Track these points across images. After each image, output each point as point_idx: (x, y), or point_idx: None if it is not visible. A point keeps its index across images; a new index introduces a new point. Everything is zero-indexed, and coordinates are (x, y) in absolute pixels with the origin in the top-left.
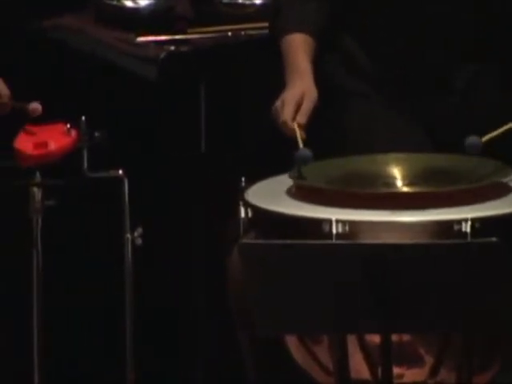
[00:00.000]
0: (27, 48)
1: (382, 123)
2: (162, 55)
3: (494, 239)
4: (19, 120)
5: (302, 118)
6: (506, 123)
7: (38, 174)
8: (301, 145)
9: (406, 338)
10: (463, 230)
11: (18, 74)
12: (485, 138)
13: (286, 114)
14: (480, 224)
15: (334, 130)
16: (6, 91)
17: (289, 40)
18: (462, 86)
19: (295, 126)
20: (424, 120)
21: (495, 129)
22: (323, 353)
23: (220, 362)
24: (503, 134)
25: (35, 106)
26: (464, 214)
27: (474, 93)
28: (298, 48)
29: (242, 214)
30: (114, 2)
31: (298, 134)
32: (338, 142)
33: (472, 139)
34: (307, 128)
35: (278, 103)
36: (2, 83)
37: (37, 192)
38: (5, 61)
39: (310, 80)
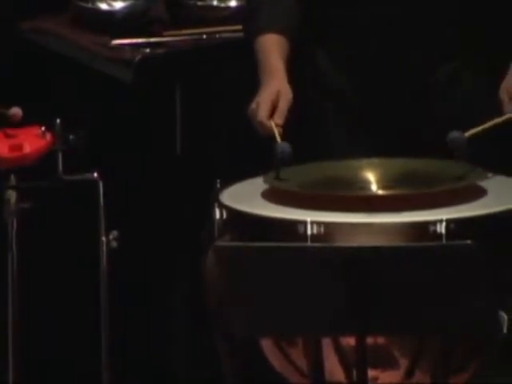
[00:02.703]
0: (3, 50)
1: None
2: (137, 58)
3: (468, 241)
4: None
5: (278, 118)
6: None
7: (12, 177)
8: (279, 139)
9: (380, 340)
10: (438, 231)
11: None
12: (468, 133)
13: (262, 113)
14: (455, 225)
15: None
16: None
17: (262, 40)
18: (442, 86)
19: (272, 125)
20: (406, 123)
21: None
22: (298, 355)
23: (196, 363)
24: (487, 129)
25: (16, 111)
26: (439, 216)
27: (455, 91)
28: (271, 48)
29: (217, 216)
30: (89, 5)
31: (276, 130)
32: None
33: (454, 134)
34: (284, 127)
35: (253, 104)
36: None
37: (12, 195)
38: None
39: (284, 79)
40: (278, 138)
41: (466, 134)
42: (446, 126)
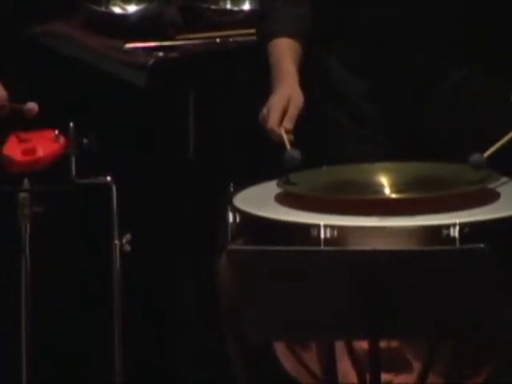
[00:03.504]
0: (17, 54)
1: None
2: (151, 62)
3: (482, 245)
4: (8, 126)
5: (288, 123)
6: (498, 129)
7: (26, 181)
8: (288, 147)
9: (394, 343)
10: (452, 235)
11: (7, 80)
12: (487, 154)
13: (273, 120)
14: (469, 229)
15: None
16: (4, 93)
17: (274, 44)
18: (449, 92)
19: (282, 132)
20: (411, 128)
21: (486, 134)
22: (311, 358)
23: (210, 366)
24: (505, 144)
25: (32, 106)
26: (452, 219)
27: (462, 98)
28: (284, 52)
29: (230, 220)
30: (103, 9)
31: (285, 138)
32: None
33: (475, 157)
34: (294, 132)
35: (264, 110)
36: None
37: (25, 198)
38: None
39: (295, 84)
40: (288, 145)
41: (486, 155)
42: (457, 130)
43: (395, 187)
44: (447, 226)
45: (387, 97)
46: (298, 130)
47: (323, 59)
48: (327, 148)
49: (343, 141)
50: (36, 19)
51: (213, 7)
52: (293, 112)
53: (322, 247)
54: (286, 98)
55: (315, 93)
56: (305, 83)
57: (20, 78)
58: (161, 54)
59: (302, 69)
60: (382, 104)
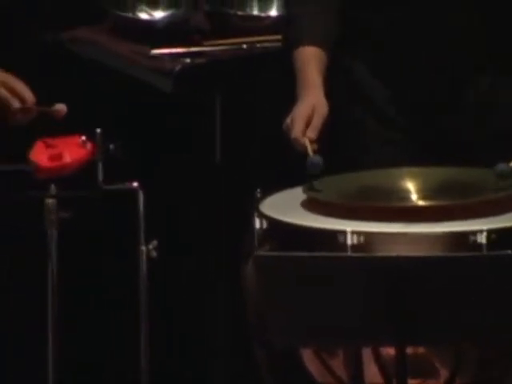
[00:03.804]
0: (44, 60)
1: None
2: (178, 67)
3: (509, 251)
4: (35, 132)
5: (312, 133)
6: None
7: (53, 186)
8: (310, 152)
9: (420, 349)
10: (478, 241)
11: (34, 87)
12: None
13: (297, 130)
14: (496, 235)
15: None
16: (31, 96)
17: (300, 53)
18: (474, 95)
19: (306, 141)
20: (435, 131)
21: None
22: (338, 365)
23: (236, 372)
24: None
25: (60, 107)
26: (479, 226)
27: (487, 101)
28: (310, 61)
29: (257, 226)
30: (130, 15)
31: (309, 147)
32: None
33: (501, 167)
34: (318, 142)
35: (288, 119)
36: (26, 88)
37: (52, 204)
38: (22, 73)
39: (320, 93)
40: (311, 154)
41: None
42: (482, 134)
43: (421, 193)
44: (474, 233)
45: (411, 100)
46: (324, 135)
47: (348, 63)
48: (353, 151)
49: (368, 144)
50: (63, 25)
51: (239, 13)
52: (317, 121)
53: (349, 253)
54: (310, 108)
55: (340, 97)
56: (330, 87)
57: (47, 84)
58: (187, 59)
59: (327, 75)
60: (406, 107)
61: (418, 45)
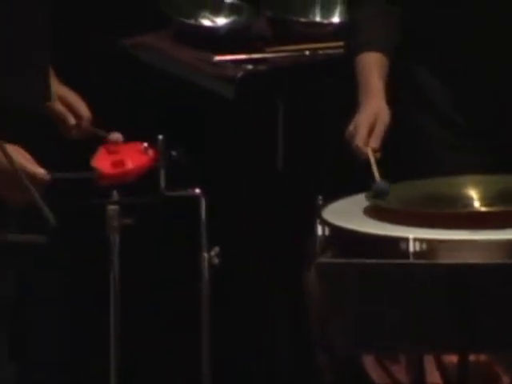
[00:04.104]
0: (107, 66)
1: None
2: (240, 74)
3: None
4: (98, 139)
5: (375, 141)
6: None
7: (115, 193)
8: (377, 175)
9: (483, 357)
10: None
11: (97, 93)
12: None
13: (359, 138)
14: None
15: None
16: (87, 112)
17: (362, 59)
18: None
19: (369, 151)
20: (499, 135)
21: None
22: (400, 371)
23: (298, 378)
24: None
25: (116, 137)
26: None
27: None
28: (371, 68)
29: (319, 233)
30: (192, 22)
31: (373, 161)
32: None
33: None
34: (381, 149)
35: (351, 127)
36: (84, 106)
37: (114, 211)
38: (85, 79)
39: (383, 100)
40: (376, 173)
41: None
42: None
43: (484, 200)
44: None
45: (475, 104)
46: (386, 141)
47: (409, 67)
48: (416, 158)
49: (433, 149)
50: (126, 32)
51: (302, 20)
52: (380, 129)
53: (412, 260)
54: (373, 115)
55: (403, 103)
56: (391, 93)
57: (110, 91)
58: (250, 66)
59: (390, 82)
60: (470, 111)
61: (479, 46)
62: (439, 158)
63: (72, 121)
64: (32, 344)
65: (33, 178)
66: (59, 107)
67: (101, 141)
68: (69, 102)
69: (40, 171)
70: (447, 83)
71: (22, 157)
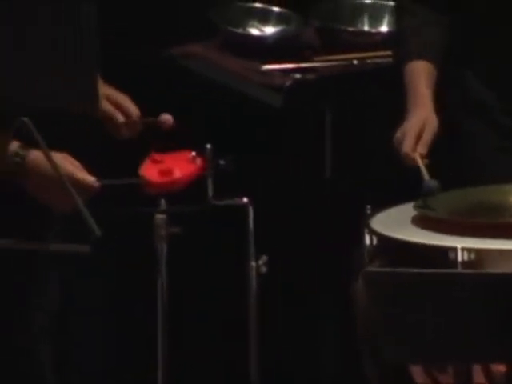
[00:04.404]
0: (155, 75)
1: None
2: (288, 83)
3: None
4: (145, 147)
5: (422, 148)
6: None
7: (162, 202)
8: (426, 175)
9: None
10: None
11: (146, 102)
12: None
13: (407, 145)
14: None
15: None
16: (135, 109)
17: (411, 67)
18: None
19: (417, 157)
20: None
21: None
22: (447, 380)
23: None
24: None
25: (166, 118)
26: None
27: None
28: (420, 76)
29: (367, 242)
30: (240, 31)
31: (421, 164)
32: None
33: None
34: (429, 156)
35: (398, 134)
36: (130, 102)
37: (162, 220)
38: (134, 88)
39: (431, 108)
40: (425, 174)
41: None
42: None
43: None
44: None
45: None
46: (436, 148)
47: (459, 72)
48: (464, 162)
49: (480, 153)
50: (175, 41)
51: (350, 29)
52: (428, 137)
53: (460, 270)
54: (421, 123)
55: (451, 108)
56: (440, 100)
57: (158, 100)
58: (298, 75)
59: (438, 89)
60: None
61: None
62: (487, 162)
63: (120, 118)
64: (76, 354)
65: (82, 184)
66: (107, 106)
67: (151, 129)
68: (116, 101)
69: (89, 178)
70: (497, 89)
71: (70, 164)
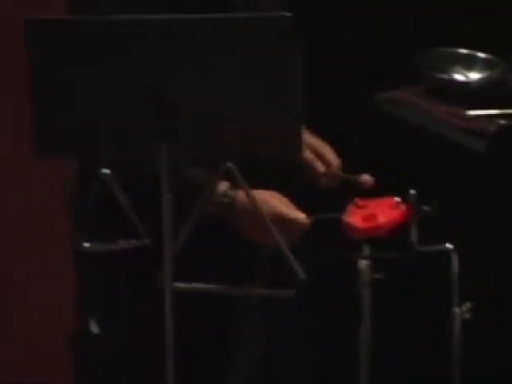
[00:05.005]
0: (359, 120)
1: None
2: (492, 128)
3: None
4: (347, 194)
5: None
6: None
7: (366, 247)
8: None
9: None
10: None
11: (351, 146)
12: None
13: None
14: None
15: None
16: (336, 160)
17: None
18: None
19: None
20: None
21: None
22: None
23: None
24: None
25: (366, 178)
26: None
27: None
28: None
29: None
30: (445, 76)
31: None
32: None
33: None
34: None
35: None
36: (332, 153)
37: (366, 265)
38: (339, 133)
39: None
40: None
41: None
42: None
43: None
44: None
45: None
46: None
47: None
48: None
49: None
50: (379, 87)
51: None
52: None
53: None
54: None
55: None
56: None
57: (363, 145)
58: (503, 121)
59: None
60: None
61: None
62: None
63: (321, 168)
64: None
65: (292, 222)
66: (308, 155)
67: (350, 187)
68: (317, 150)
69: (300, 215)
70: None
71: (278, 202)
